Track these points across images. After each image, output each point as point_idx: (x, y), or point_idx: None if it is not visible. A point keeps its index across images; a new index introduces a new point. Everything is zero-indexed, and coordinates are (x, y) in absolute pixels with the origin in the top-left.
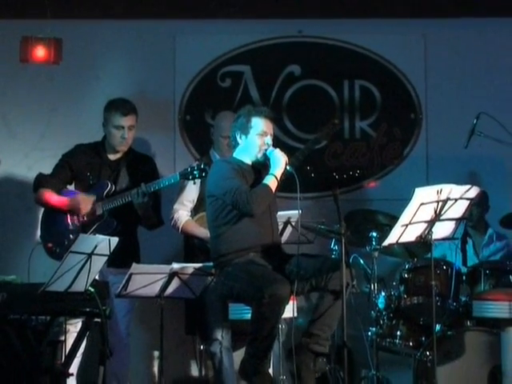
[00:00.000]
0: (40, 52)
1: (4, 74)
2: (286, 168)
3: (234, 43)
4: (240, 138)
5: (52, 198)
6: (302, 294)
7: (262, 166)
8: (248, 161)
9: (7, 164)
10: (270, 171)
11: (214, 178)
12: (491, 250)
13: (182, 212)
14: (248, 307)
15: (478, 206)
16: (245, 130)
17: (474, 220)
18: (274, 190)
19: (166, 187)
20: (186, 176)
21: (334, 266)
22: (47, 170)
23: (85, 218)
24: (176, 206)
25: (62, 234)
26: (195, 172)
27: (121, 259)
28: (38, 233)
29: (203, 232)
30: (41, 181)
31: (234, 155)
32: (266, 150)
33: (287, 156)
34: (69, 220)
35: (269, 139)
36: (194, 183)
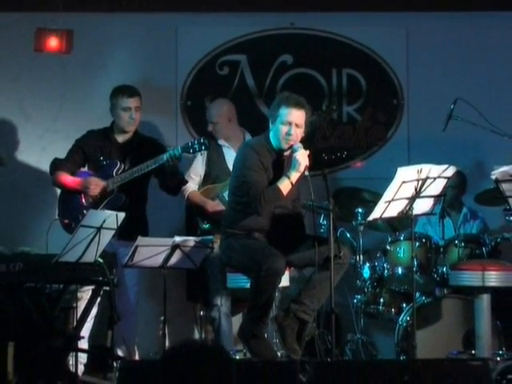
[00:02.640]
0: (53, 42)
1: (20, 63)
2: (304, 173)
3: (231, 34)
4: (271, 123)
5: (67, 179)
6: (299, 267)
7: (286, 155)
8: (275, 145)
9: (23, 145)
10: (287, 172)
11: (240, 161)
12: (466, 229)
13: (190, 184)
14: (245, 277)
15: (454, 188)
16: (273, 117)
17: (447, 200)
18: (285, 193)
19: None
20: (187, 150)
21: (325, 241)
22: (60, 150)
23: (97, 195)
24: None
25: (76, 211)
26: (195, 146)
27: (130, 233)
28: (55, 210)
29: (205, 202)
30: (56, 164)
31: (270, 135)
32: (289, 140)
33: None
34: (83, 198)
35: (291, 129)
36: (195, 156)
